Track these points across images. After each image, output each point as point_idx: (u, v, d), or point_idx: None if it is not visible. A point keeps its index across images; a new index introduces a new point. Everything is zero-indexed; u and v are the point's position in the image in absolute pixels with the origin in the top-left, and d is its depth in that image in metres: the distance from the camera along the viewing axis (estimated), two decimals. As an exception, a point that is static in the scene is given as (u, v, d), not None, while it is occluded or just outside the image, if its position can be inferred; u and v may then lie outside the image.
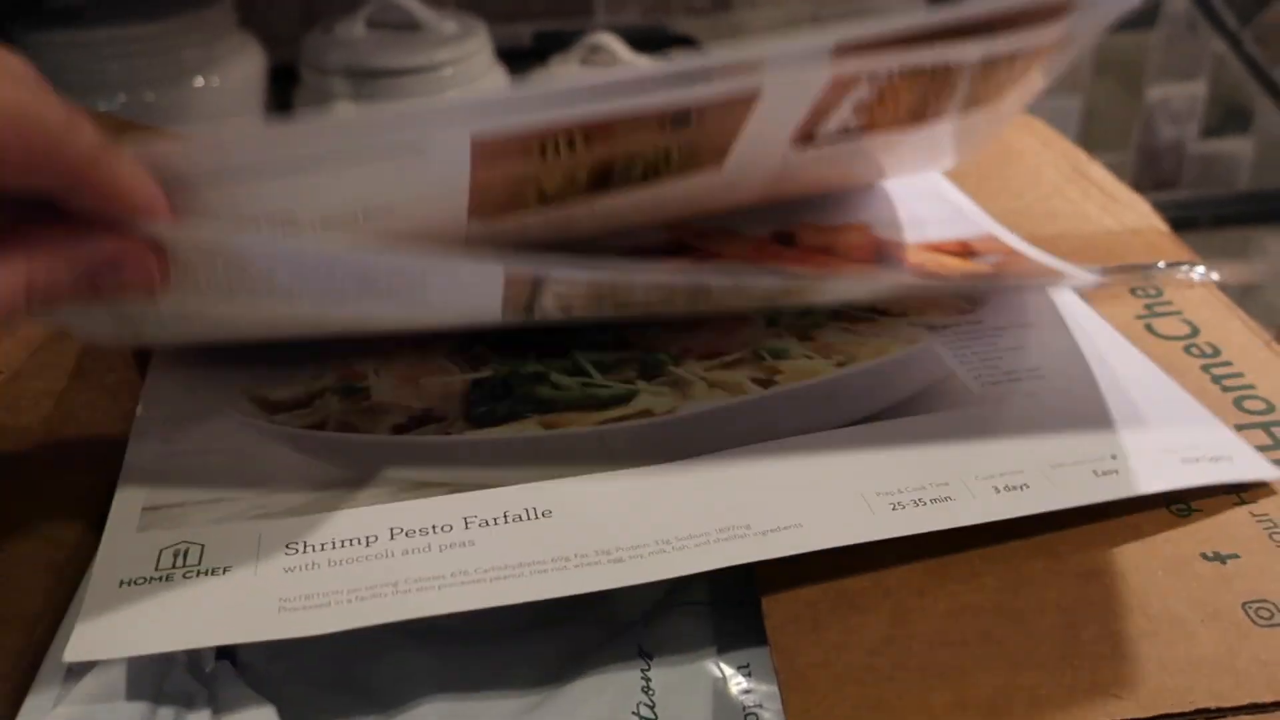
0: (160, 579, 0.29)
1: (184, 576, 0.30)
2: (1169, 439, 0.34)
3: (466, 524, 0.31)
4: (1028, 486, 0.32)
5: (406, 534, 0.31)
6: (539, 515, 0.32)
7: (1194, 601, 0.30)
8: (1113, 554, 0.31)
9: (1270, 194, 1.14)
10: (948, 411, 0.36)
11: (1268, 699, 0.27)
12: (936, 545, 0.31)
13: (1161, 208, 1.17)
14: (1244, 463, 0.34)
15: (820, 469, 0.33)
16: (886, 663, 0.29)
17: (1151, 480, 0.33)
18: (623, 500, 0.32)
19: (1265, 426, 0.36)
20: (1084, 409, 0.36)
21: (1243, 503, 0.33)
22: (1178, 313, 0.42)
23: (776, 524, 0.31)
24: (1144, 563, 0.31)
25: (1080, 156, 0.54)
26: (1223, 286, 0.43)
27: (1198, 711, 0.27)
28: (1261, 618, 0.29)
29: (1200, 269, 0.44)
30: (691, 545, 0.30)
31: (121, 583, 0.29)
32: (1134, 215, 0.48)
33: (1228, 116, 1.12)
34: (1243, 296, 1.29)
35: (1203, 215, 1.12)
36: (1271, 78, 1.05)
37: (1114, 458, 0.33)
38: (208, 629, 0.28)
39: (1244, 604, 0.29)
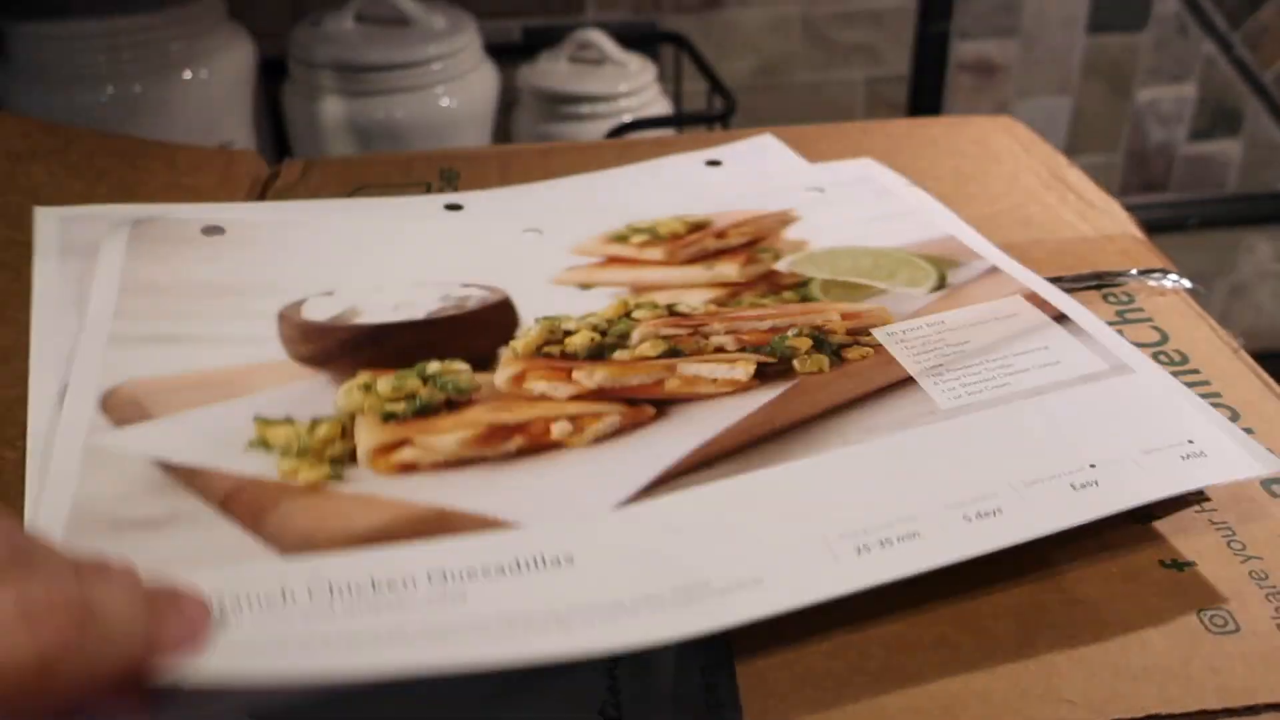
0: None
1: None
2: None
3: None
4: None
5: None
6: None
7: (1150, 609, 0.30)
8: (1071, 561, 0.32)
9: (1259, 196, 1.15)
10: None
11: (1216, 706, 0.27)
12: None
13: (1150, 209, 1.17)
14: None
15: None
16: (844, 666, 0.29)
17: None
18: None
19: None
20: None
21: (1203, 510, 0.33)
22: (1149, 319, 0.42)
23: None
24: (1102, 569, 0.31)
25: (1060, 161, 0.54)
26: (1194, 294, 0.43)
27: (1148, 717, 0.27)
28: (1216, 625, 0.29)
29: (1173, 276, 0.44)
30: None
31: None
32: (1109, 221, 0.49)
33: (1217, 119, 1.12)
34: (1231, 297, 1.29)
35: (1192, 217, 1.12)
36: (1261, 80, 1.06)
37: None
38: None
39: (1199, 611, 0.30)
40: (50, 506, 0.33)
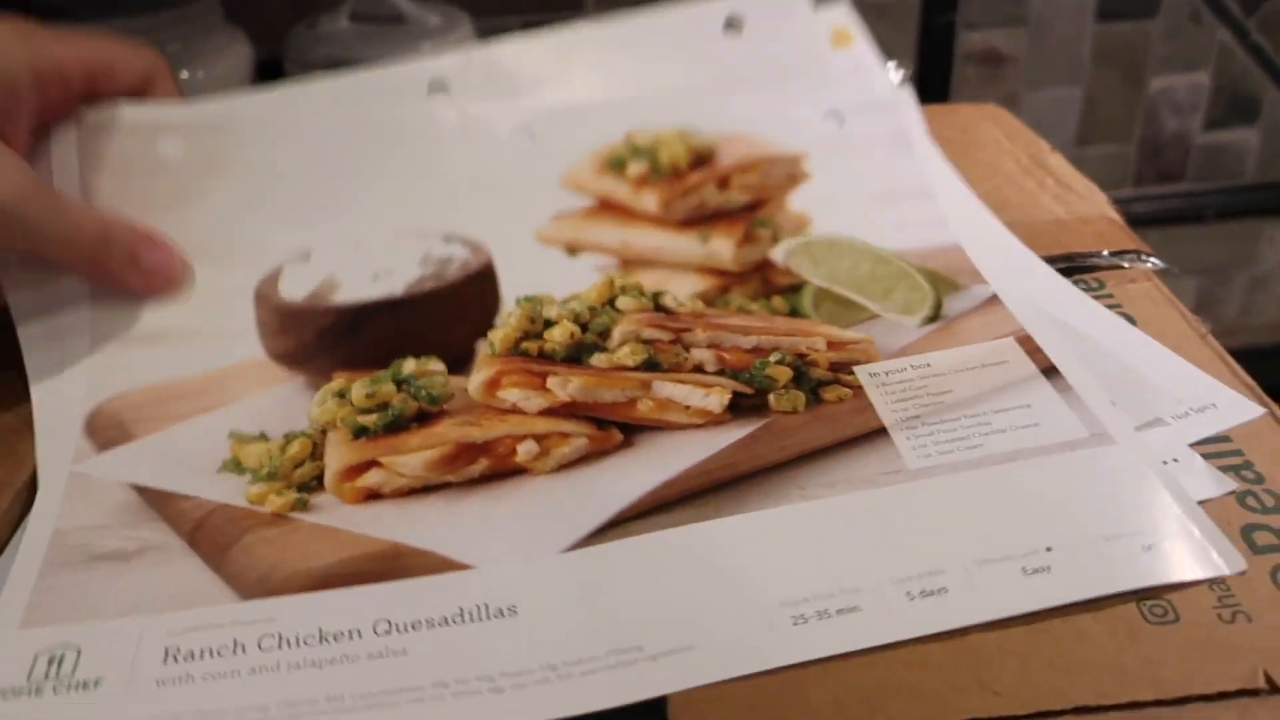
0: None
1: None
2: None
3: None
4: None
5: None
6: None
7: (1089, 599, 0.29)
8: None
9: (1278, 185, 1.12)
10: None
11: (1148, 697, 0.26)
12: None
13: (1167, 200, 1.15)
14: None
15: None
16: (769, 657, 0.28)
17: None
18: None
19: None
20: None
21: (1155, 499, 0.32)
22: (1118, 305, 0.41)
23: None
24: (1044, 559, 0.31)
25: (1042, 147, 0.53)
26: (1164, 277, 0.42)
27: (1077, 709, 0.26)
28: (1155, 615, 0.29)
29: (1147, 258, 0.43)
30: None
31: None
32: (1087, 205, 0.48)
33: (1233, 107, 1.10)
34: (1251, 289, 1.27)
35: (1209, 208, 1.10)
36: (1279, 67, 1.03)
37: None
38: None
39: (1139, 602, 0.29)
40: (32, 537, 0.34)
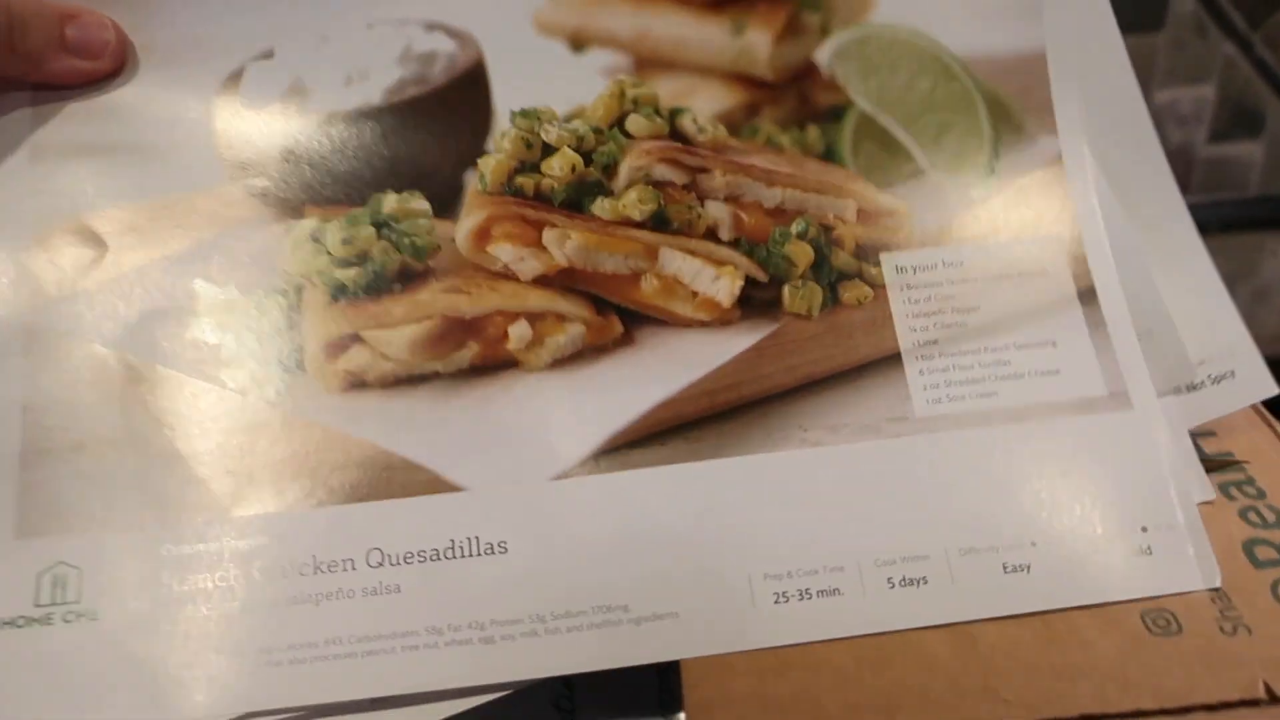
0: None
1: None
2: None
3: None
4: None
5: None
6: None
7: (1095, 610, 0.30)
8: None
9: (1281, 199, 1.13)
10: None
11: (1151, 706, 0.27)
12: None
13: (1170, 212, 1.15)
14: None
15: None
16: (778, 660, 0.29)
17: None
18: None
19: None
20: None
21: (1159, 512, 0.33)
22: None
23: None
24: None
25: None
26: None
27: (1081, 717, 0.27)
28: (1159, 626, 0.29)
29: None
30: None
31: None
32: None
33: (1237, 120, 1.11)
34: (1254, 301, 1.27)
35: (1212, 220, 1.11)
36: (1283, 81, 1.04)
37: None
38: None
39: (1143, 614, 0.30)
40: (2, 412, 0.32)
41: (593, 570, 0.30)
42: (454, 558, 0.31)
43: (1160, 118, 1.11)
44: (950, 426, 0.32)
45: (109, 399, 0.32)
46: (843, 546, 0.31)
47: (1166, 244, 0.36)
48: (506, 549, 0.31)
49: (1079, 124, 0.36)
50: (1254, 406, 0.37)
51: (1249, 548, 0.31)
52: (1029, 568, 0.30)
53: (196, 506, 0.31)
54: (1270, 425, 0.36)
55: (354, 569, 0.30)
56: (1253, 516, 0.32)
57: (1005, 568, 0.30)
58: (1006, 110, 0.37)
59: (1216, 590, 0.30)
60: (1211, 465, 0.34)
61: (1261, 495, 0.33)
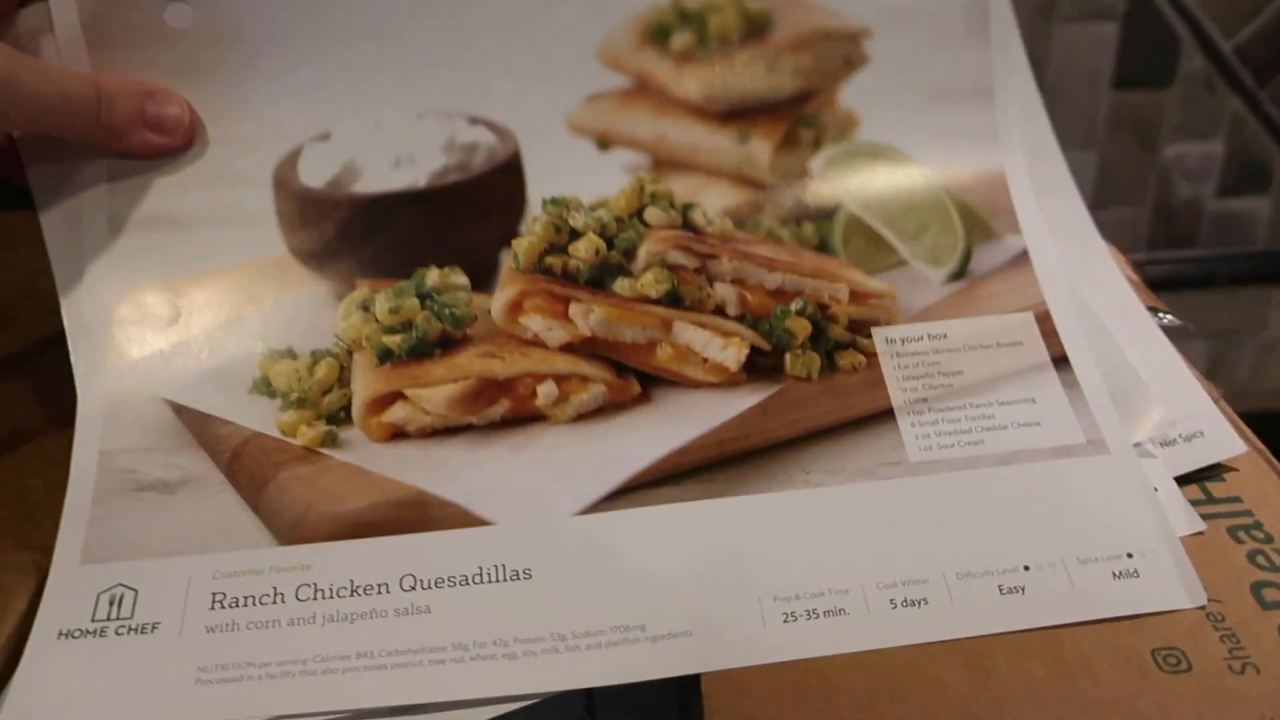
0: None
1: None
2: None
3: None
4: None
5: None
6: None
7: (1106, 646, 0.31)
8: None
9: (1288, 254, 1.14)
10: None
11: (1160, 741, 0.28)
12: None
13: (1179, 265, 1.17)
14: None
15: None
16: (796, 688, 0.30)
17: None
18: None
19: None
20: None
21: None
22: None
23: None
24: (1062, 607, 0.32)
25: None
26: (1181, 332, 0.43)
27: (1093, 750, 0.28)
28: (1169, 664, 0.30)
29: (1163, 315, 0.45)
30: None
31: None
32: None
33: (1245, 175, 1.12)
34: (1261, 354, 1.27)
35: (1220, 274, 1.12)
36: (1290, 138, 1.06)
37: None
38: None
39: (1153, 650, 0.30)
40: (81, 460, 0.35)
41: (611, 595, 0.32)
42: (481, 583, 0.32)
43: (1168, 173, 1.12)
44: (942, 469, 0.35)
45: (175, 448, 0.36)
46: (847, 572, 0.32)
47: (1125, 329, 0.40)
48: (531, 575, 0.33)
49: (1041, 225, 0.41)
50: (1263, 455, 0.37)
51: (1257, 590, 0.32)
52: (1024, 589, 0.32)
53: (247, 540, 0.34)
54: (1278, 472, 0.37)
55: (388, 591, 0.32)
56: (1260, 560, 0.33)
57: (1001, 589, 0.32)
58: (975, 215, 0.41)
59: (1227, 631, 0.31)
60: (1215, 503, 0.35)
61: (1270, 539, 0.34)
